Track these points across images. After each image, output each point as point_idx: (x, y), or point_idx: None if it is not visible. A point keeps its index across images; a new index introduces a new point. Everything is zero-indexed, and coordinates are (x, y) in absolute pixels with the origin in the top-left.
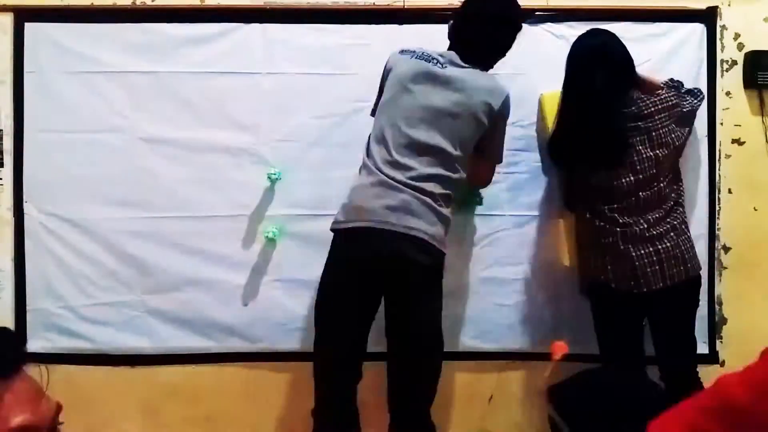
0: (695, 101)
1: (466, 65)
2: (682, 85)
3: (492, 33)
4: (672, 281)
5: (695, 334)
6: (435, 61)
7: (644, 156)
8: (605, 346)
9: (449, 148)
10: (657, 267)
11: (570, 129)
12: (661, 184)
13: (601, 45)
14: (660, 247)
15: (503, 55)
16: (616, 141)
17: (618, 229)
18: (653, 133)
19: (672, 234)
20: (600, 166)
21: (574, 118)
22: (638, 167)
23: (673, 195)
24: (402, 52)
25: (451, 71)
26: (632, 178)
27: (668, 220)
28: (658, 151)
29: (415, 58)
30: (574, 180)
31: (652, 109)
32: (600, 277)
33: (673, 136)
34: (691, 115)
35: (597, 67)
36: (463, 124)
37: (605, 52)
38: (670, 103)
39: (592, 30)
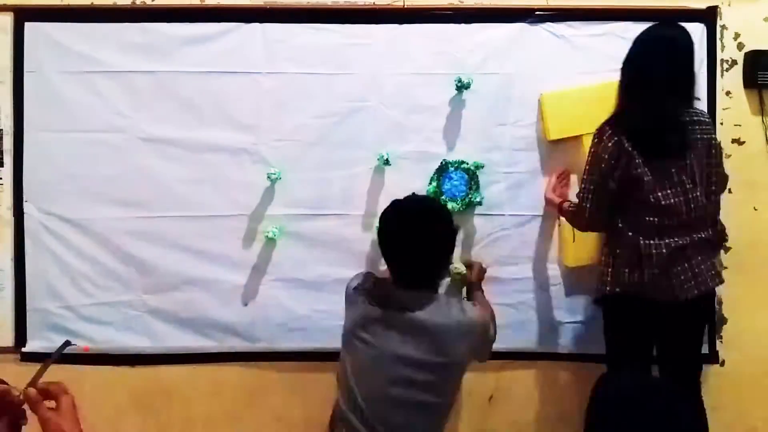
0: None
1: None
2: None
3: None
4: (705, 286)
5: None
6: (392, 302)
7: (696, 171)
8: (616, 353)
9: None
10: (692, 282)
11: (631, 112)
12: (708, 201)
13: (671, 38)
14: (698, 258)
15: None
16: (672, 128)
17: (663, 249)
18: (705, 148)
19: (705, 245)
20: (658, 153)
21: (635, 101)
22: (688, 184)
23: (712, 214)
24: (354, 289)
25: (411, 314)
26: (680, 198)
27: (705, 236)
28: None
29: (367, 302)
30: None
31: (706, 121)
32: (634, 290)
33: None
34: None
35: (663, 56)
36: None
37: (676, 47)
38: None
39: (666, 22)
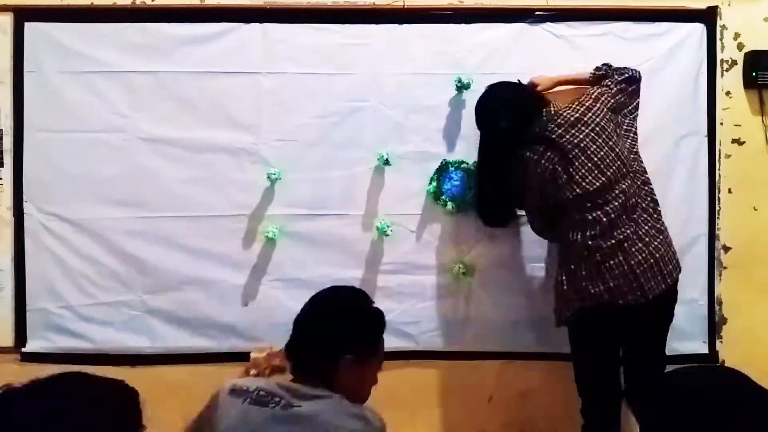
0: (620, 81)
1: (319, 393)
2: (611, 68)
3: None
4: (671, 278)
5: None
6: (276, 398)
7: (601, 154)
8: (590, 374)
9: None
10: (655, 269)
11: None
12: (633, 183)
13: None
14: (651, 247)
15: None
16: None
17: (612, 241)
18: (597, 129)
19: (654, 232)
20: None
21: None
22: (602, 165)
23: (648, 197)
24: (233, 391)
25: (299, 409)
26: (602, 179)
27: (652, 222)
28: (612, 144)
29: (248, 402)
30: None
31: (579, 112)
32: (603, 297)
33: (612, 125)
34: (622, 97)
35: (496, 121)
36: None
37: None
38: (592, 97)
39: (491, 88)
